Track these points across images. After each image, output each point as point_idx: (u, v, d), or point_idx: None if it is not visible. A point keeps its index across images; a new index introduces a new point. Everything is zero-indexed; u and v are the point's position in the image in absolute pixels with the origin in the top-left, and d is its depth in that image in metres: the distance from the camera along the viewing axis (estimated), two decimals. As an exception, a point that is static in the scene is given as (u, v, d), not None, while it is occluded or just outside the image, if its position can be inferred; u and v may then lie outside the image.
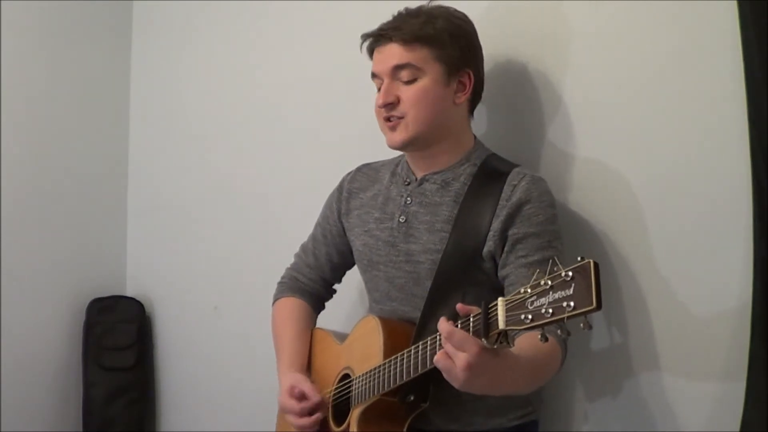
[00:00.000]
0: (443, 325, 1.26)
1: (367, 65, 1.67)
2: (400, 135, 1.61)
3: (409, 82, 1.59)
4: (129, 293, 3.06)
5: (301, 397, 1.67)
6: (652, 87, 1.59)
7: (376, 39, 1.63)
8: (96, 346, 2.92)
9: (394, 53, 1.59)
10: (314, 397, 1.66)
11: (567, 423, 1.74)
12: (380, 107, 1.62)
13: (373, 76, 1.65)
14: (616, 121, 1.65)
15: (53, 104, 2.91)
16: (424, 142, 1.63)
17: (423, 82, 1.59)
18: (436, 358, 1.27)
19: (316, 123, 2.36)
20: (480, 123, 1.81)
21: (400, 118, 1.60)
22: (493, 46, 1.70)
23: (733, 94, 1.43)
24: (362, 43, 1.66)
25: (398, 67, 1.59)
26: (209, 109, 2.77)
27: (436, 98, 1.60)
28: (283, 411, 1.71)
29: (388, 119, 1.62)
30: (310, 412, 1.66)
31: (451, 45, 1.59)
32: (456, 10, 1.64)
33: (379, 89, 1.63)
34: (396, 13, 1.64)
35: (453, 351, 1.24)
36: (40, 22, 2.86)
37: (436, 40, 1.58)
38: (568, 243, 1.59)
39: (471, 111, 1.69)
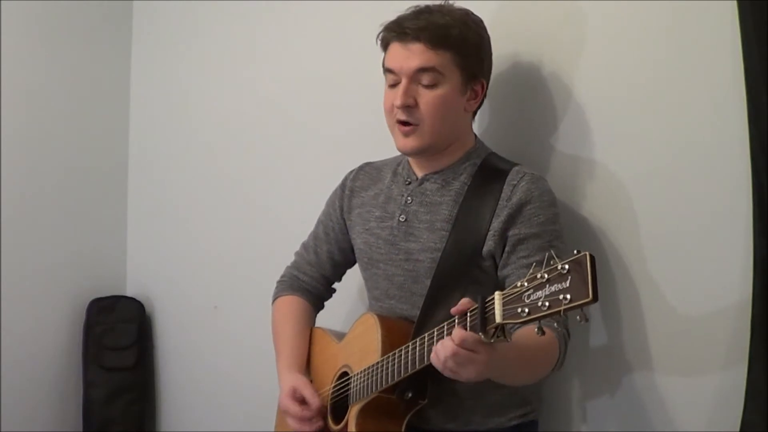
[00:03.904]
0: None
1: (371, 64, 1.66)
2: (413, 142, 1.60)
3: (429, 87, 1.56)
4: (129, 293, 3.06)
5: (303, 401, 1.67)
6: (651, 86, 1.59)
7: (400, 35, 1.57)
8: (96, 346, 2.92)
9: (419, 54, 1.55)
10: (314, 404, 1.66)
11: (567, 423, 1.74)
12: (398, 108, 1.58)
13: (388, 70, 1.60)
14: (615, 120, 1.65)
15: (53, 104, 2.91)
16: (433, 150, 1.63)
17: (443, 89, 1.56)
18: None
19: (316, 121, 2.36)
20: (482, 121, 1.81)
21: (416, 125, 1.58)
22: (498, 45, 1.69)
23: (733, 94, 1.43)
24: (379, 34, 1.62)
25: (422, 70, 1.55)
26: (209, 109, 2.77)
27: (452, 107, 1.59)
28: (284, 413, 1.71)
29: (402, 123, 1.59)
30: (310, 418, 1.66)
31: (474, 54, 1.58)
32: (475, 16, 1.62)
33: (391, 85, 1.60)
34: (416, 9, 1.60)
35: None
36: (40, 22, 2.86)
37: (461, 47, 1.56)
38: (569, 241, 1.59)
39: (474, 114, 1.69)
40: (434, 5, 1.61)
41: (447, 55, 1.55)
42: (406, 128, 1.59)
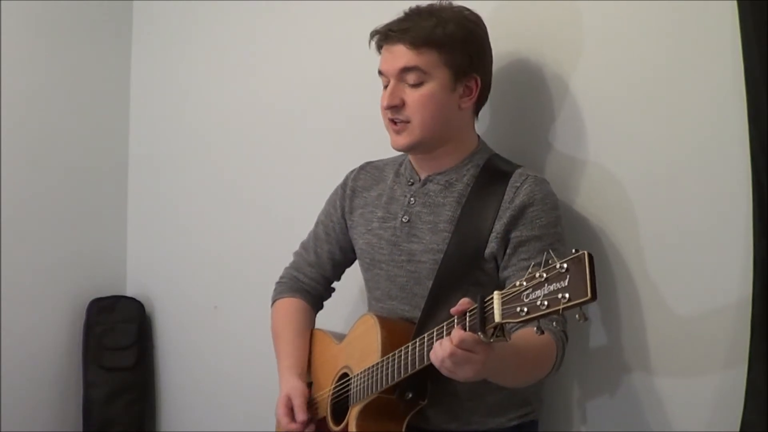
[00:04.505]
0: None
1: (369, 63, 1.66)
2: (404, 139, 1.61)
3: (415, 86, 1.58)
4: (129, 293, 3.06)
5: (293, 412, 1.68)
6: (651, 87, 1.59)
7: (385, 37, 1.61)
8: (96, 346, 2.92)
9: (401, 55, 1.57)
10: (300, 417, 1.66)
11: (567, 423, 1.74)
12: (385, 109, 1.61)
13: (380, 73, 1.63)
14: (616, 120, 1.65)
15: (53, 104, 2.91)
16: (427, 146, 1.63)
17: (429, 87, 1.57)
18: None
19: (316, 121, 2.36)
20: (483, 122, 1.81)
21: (406, 122, 1.60)
22: (498, 45, 1.70)
23: (733, 94, 1.43)
24: (371, 39, 1.65)
25: (405, 70, 1.57)
26: (209, 109, 2.77)
27: (441, 104, 1.59)
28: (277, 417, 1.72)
29: (393, 122, 1.61)
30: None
31: (461, 51, 1.58)
32: (470, 12, 1.63)
33: (385, 86, 1.62)
34: (408, 10, 1.62)
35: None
36: (40, 22, 2.86)
37: (446, 45, 1.56)
38: (569, 242, 1.59)
39: (476, 113, 1.69)
40: (426, 6, 1.62)
41: (431, 54, 1.56)
42: (397, 126, 1.61)
